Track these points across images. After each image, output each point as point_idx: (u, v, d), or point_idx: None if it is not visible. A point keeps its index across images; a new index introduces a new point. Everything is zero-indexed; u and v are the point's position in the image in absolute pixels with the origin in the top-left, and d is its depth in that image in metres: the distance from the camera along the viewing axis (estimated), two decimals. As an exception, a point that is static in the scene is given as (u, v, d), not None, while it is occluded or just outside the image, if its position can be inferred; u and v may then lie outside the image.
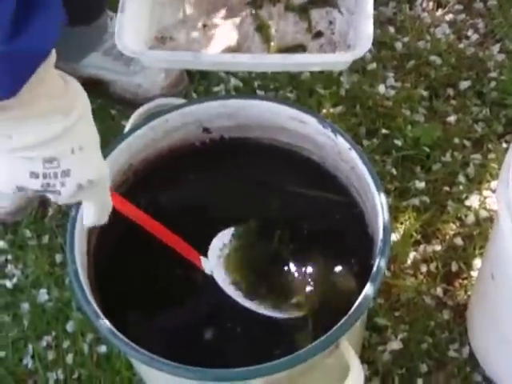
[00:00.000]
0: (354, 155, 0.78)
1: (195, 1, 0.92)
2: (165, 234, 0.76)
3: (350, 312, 0.69)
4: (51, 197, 0.62)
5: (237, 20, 0.90)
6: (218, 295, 0.78)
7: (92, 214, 0.67)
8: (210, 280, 0.79)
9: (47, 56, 0.53)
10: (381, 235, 0.73)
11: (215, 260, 0.78)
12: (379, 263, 0.71)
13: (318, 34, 0.89)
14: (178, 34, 0.89)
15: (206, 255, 0.79)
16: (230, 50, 0.88)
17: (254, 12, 0.91)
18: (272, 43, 0.88)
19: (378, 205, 0.74)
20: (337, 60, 0.82)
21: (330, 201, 0.84)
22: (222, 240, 0.79)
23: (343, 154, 0.80)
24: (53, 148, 0.57)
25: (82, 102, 0.59)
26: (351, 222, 0.82)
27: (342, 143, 0.79)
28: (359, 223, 0.81)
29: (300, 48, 0.88)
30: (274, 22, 0.90)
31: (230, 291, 0.77)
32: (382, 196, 0.74)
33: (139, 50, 0.84)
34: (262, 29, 0.89)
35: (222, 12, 0.91)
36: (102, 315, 0.69)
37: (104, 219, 0.68)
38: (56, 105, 0.56)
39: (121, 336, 0.67)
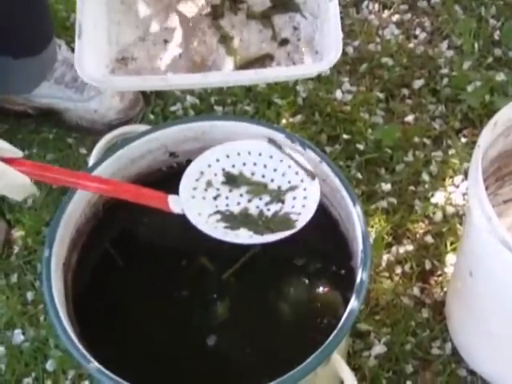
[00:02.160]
0: (325, 168, 0.78)
1: (152, 16, 0.88)
2: (121, 190, 0.74)
3: (338, 327, 0.69)
4: None
5: (198, 32, 0.87)
6: (199, 316, 0.78)
7: (8, 194, 0.69)
8: (189, 303, 0.79)
9: None
10: (361, 246, 0.73)
11: (189, 196, 0.75)
12: (362, 275, 0.71)
13: (284, 42, 0.86)
14: (138, 52, 0.85)
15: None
16: (196, 64, 0.85)
17: (215, 23, 0.87)
18: (238, 55, 0.85)
19: (355, 216, 0.75)
20: (310, 71, 0.80)
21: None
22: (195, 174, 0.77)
23: (314, 168, 0.80)
24: None
25: None
26: (326, 233, 0.82)
27: (311, 157, 0.79)
28: (334, 233, 0.82)
29: (267, 57, 0.85)
30: (237, 32, 0.87)
31: (205, 228, 0.73)
32: (358, 208, 0.75)
33: (103, 77, 0.81)
34: (225, 40, 0.86)
35: (182, 25, 0.87)
36: (90, 358, 0.67)
37: (26, 193, 0.70)
38: None
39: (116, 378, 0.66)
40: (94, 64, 0.80)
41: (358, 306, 0.69)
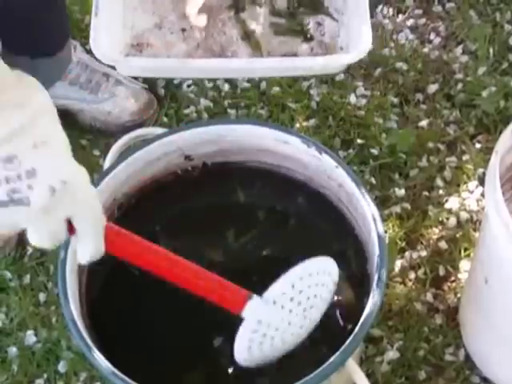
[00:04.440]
0: (341, 172, 0.78)
1: (169, 4, 0.87)
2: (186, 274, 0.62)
3: (355, 332, 0.69)
4: (26, 229, 0.52)
5: (218, 23, 0.86)
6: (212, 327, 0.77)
7: (86, 243, 0.56)
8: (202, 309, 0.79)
9: None
10: (377, 248, 0.73)
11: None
12: (379, 276, 0.71)
13: (308, 38, 0.85)
14: (154, 39, 0.85)
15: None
16: (215, 54, 0.83)
17: (235, 16, 0.86)
18: (261, 49, 0.83)
19: (371, 219, 0.75)
20: (337, 63, 0.78)
21: (319, 218, 0.84)
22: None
23: (330, 172, 0.80)
24: (10, 144, 0.49)
25: (41, 96, 0.53)
26: (342, 237, 0.82)
27: (327, 161, 0.79)
28: (350, 237, 0.81)
29: (289, 53, 0.84)
30: (257, 26, 0.86)
31: None
32: (375, 210, 0.74)
33: (119, 57, 0.80)
34: (248, 35, 0.84)
35: (201, 15, 0.86)
36: (104, 360, 0.67)
37: (99, 251, 0.58)
38: (9, 98, 0.49)
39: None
40: (110, 46, 0.79)
41: (378, 303, 0.69)
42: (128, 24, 0.85)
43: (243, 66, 0.78)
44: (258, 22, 0.86)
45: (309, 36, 0.85)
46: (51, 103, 0.53)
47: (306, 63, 0.81)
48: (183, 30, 0.86)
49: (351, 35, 0.79)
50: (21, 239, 1.06)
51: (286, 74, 0.86)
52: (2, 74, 0.50)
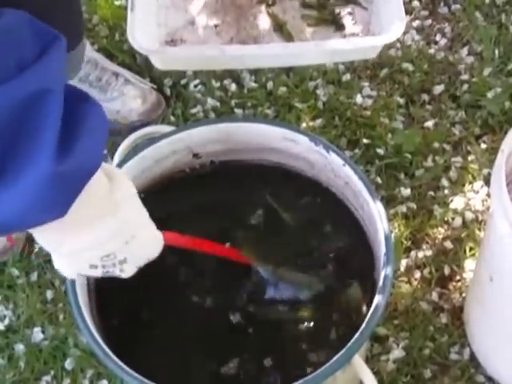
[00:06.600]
0: (348, 171, 0.78)
1: (201, 1, 0.90)
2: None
3: (361, 328, 0.69)
4: None
5: (249, 17, 0.88)
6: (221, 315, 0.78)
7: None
8: (211, 306, 0.79)
9: (94, 172, 0.54)
10: (383, 246, 0.73)
11: None
12: (385, 274, 0.71)
13: (340, 27, 0.87)
14: (188, 35, 0.88)
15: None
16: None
17: (267, 10, 0.87)
18: (294, 39, 0.85)
19: (377, 217, 0.75)
20: (372, 44, 0.79)
21: (325, 216, 0.84)
22: None
23: (337, 170, 0.80)
24: (107, 247, 0.59)
25: (127, 191, 0.60)
26: (348, 236, 0.83)
27: (335, 159, 0.79)
28: (356, 236, 0.82)
29: None
30: (289, 17, 0.87)
31: None
32: (381, 208, 0.75)
33: (157, 48, 0.82)
34: (280, 27, 0.86)
35: (232, 11, 0.89)
36: (114, 357, 0.67)
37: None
38: (102, 208, 0.57)
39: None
40: (145, 39, 0.83)
41: (384, 300, 0.69)
42: (162, 22, 0.87)
43: (279, 51, 0.79)
44: (290, 14, 0.88)
45: (341, 25, 0.86)
46: (133, 189, 0.62)
47: (341, 45, 0.82)
48: (216, 25, 0.88)
49: (383, 21, 0.81)
50: (28, 237, 1.07)
51: (321, 59, 0.87)
52: (98, 187, 0.56)
